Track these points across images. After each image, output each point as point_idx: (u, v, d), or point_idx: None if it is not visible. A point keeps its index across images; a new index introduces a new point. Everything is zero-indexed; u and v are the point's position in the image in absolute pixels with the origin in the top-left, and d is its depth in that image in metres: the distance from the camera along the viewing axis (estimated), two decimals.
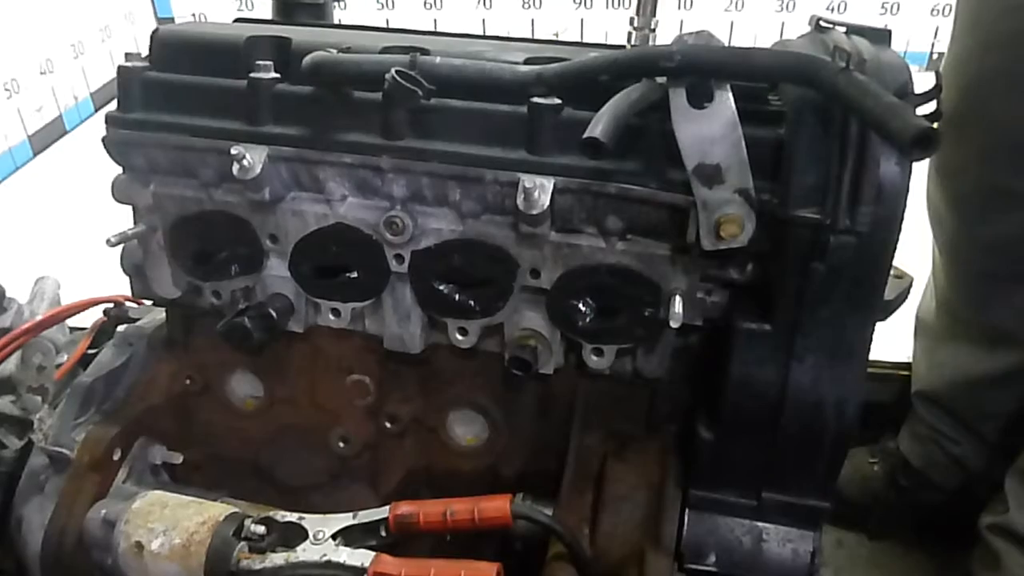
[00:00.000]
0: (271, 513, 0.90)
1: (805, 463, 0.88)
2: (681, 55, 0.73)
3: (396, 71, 0.80)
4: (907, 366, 1.58)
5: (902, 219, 0.78)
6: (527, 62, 0.85)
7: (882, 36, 0.81)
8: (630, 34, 1.03)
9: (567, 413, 1.01)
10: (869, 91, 0.66)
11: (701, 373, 0.94)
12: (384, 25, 1.12)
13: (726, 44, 0.75)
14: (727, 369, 0.87)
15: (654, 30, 0.98)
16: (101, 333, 1.28)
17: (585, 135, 0.69)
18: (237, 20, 1.12)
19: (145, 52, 0.97)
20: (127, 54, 0.95)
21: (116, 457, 1.05)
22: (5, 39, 3.44)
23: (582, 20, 4.64)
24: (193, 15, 4.51)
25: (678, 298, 0.85)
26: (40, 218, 2.98)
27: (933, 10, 4.29)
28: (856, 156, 0.76)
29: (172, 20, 4.51)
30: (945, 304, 1.44)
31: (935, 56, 4.26)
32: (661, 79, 0.77)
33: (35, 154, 3.68)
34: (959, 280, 1.40)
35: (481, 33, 1.10)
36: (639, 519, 0.91)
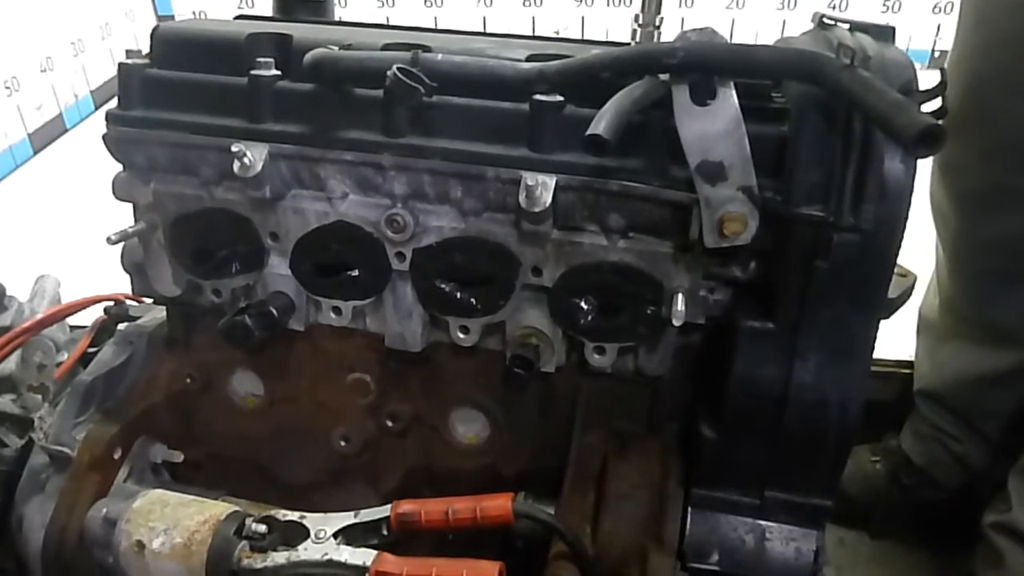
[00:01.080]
0: (272, 512, 0.90)
1: (808, 462, 0.87)
2: (684, 52, 0.72)
3: (398, 68, 0.80)
4: (909, 364, 1.58)
5: (906, 217, 0.78)
6: (529, 59, 0.85)
7: (886, 33, 0.81)
8: (635, 31, 1.03)
9: (569, 412, 1.01)
10: (873, 88, 0.66)
11: (704, 372, 0.93)
12: (384, 22, 1.11)
13: (729, 41, 0.74)
14: (730, 368, 0.86)
15: (659, 27, 0.98)
16: (101, 331, 1.28)
17: (588, 132, 0.69)
18: (238, 17, 1.11)
19: (145, 50, 0.97)
20: (127, 51, 0.94)
21: (117, 456, 1.05)
22: (5, 37, 3.44)
23: (583, 18, 4.64)
24: (193, 13, 4.50)
25: (680, 296, 0.84)
26: (40, 216, 2.98)
27: (935, 8, 4.28)
28: (860, 153, 0.75)
29: (172, 18, 4.51)
30: (948, 302, 1.44)
31: (937, 54, 4.25)
32: (664, 76, 0.77)
33: (35, 152, 3.68)
34: (962, 278, 1.39)
35: (482, 31, 1.09)
36: (641, 518, 0.91)
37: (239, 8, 4.56)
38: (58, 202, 3.05)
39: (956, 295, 1.41)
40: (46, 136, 3.76)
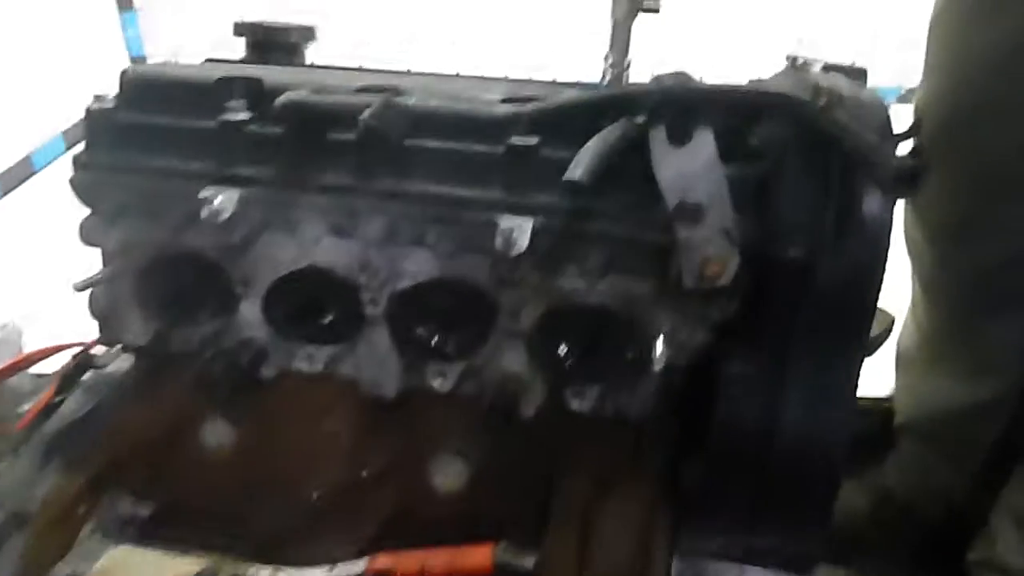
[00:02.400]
0: (244, 567, 0.87)
1: (794, 505, 0.86)
2: (660, 94, 0.72)
3: (371, 112, 0.79)
4: (889, 399, 1.58)
5: (887, 255, 0.78)
6: (504, 101, 0.84)
7: (859, 74, 0.82)
8: (605, 71, 1.03)
9: (550, 456, 0.99)
10: (850, 129, 0.66)
11: (686, 414, 0.92)
12: (359, 64, 1.11)
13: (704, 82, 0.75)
14: (712, 410, 0.85)
15: (627, 68, 0.98)
16: (67, 380, 1.24)
17: (565, 178, 0.68)
18: (208, 60, 1.10)
19: (114, 93, 0.95)
20: (95, 95, 0.93)
21: (81, 511, 1.01)
22: None
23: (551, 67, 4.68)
24: (166, 55, 4.50)
25: (661, 338, 0.83)
26: (8, 259, 2.93)
27: (902, 44, 4.34)
28: (839, 193, 0.75)
29: (144, 59, 4.50)
30: (925, 336, 1.44)
31: (904, 91, 4.32)
32: (641, 118, 0.77)
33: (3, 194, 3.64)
34: (938, 312, 1.40)
35: (456, 70, 1.09)
36: (626, 564, 0.88)
37: (212, 49, 4.57)
38: (27, 245, 3.00)
39: (933, 328, 1.41)
40: (13, 179, 3.71)
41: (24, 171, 3.78)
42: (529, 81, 1.05)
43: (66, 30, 4.01)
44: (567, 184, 0.68)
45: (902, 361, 1.53)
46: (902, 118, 0.83)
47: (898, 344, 1.54)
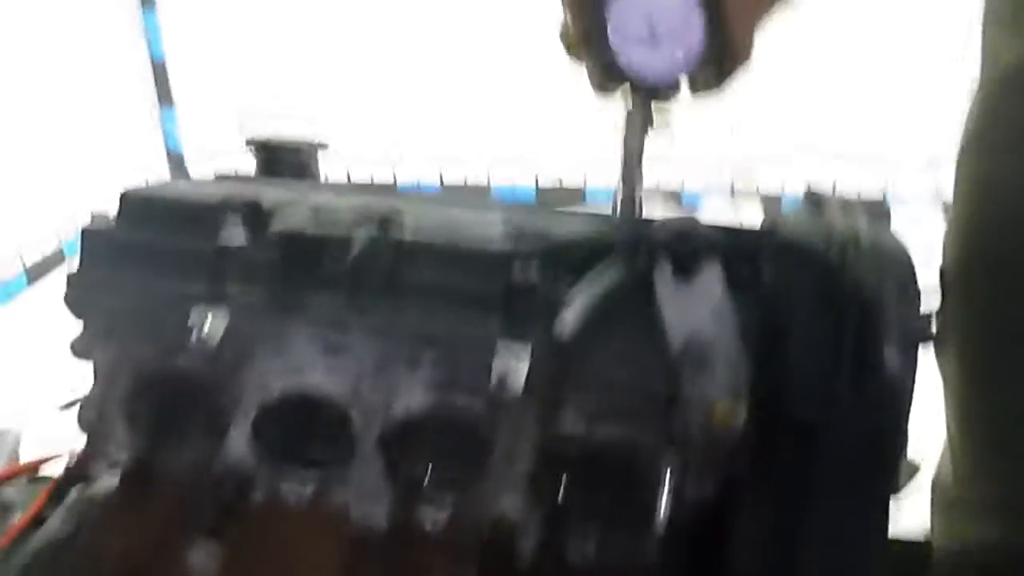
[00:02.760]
0: None
1: None
2: (666, 235, 0.70)
3: (367, 239, 0.78)
4: (926, 542, 1.48)
5: (909, 406, 0.72)
6: (505, 232, 0.82)
7: (882, 213, 0.79)
8: (615, 195, 1.01)
9: None
10: (870, 284, 0.62)
11: (696, 567, 0.86)
12: (364, 182, 1.10)
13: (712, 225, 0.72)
14: (724, 565, 0.79)
15: (640, 200, 0.96)
16: (57, 494, 1.20)
17: (555, 331, 0.65)
18: (219, 177, 1.10)
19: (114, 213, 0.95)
20: (92, 216, 0.93)
21: None
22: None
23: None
24: (202, 149, 4.60)
25: (665, 486, 0.78)
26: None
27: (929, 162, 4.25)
28: (856, 341, 0.71)
29: (181, 156, 4.61)
30: (960, 476, 1.36)
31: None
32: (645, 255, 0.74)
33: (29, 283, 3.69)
34: (972, 451, 1.32)
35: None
36: None
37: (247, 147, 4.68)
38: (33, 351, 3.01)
39: (967, 469, 1.33)
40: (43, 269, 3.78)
41: (56, 261, 3.86)
42: (543, 192, 1.03)
43: (105, 121, 4.13)
44: (555, 340, 0.65)
45: (937, 497, 1.44)
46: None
47: (933, 479, 1.45)
